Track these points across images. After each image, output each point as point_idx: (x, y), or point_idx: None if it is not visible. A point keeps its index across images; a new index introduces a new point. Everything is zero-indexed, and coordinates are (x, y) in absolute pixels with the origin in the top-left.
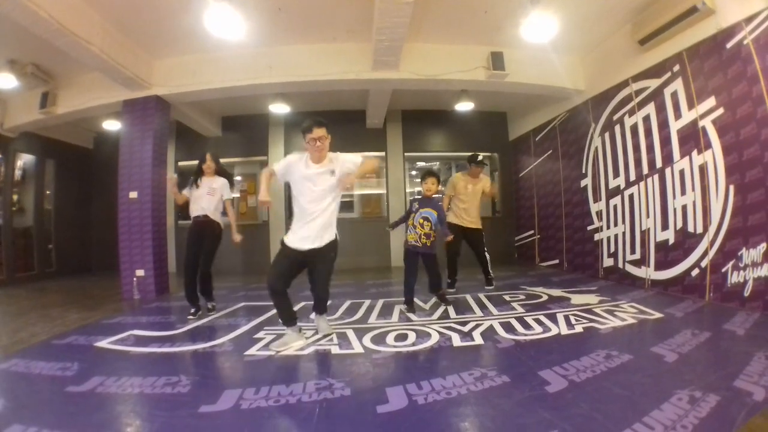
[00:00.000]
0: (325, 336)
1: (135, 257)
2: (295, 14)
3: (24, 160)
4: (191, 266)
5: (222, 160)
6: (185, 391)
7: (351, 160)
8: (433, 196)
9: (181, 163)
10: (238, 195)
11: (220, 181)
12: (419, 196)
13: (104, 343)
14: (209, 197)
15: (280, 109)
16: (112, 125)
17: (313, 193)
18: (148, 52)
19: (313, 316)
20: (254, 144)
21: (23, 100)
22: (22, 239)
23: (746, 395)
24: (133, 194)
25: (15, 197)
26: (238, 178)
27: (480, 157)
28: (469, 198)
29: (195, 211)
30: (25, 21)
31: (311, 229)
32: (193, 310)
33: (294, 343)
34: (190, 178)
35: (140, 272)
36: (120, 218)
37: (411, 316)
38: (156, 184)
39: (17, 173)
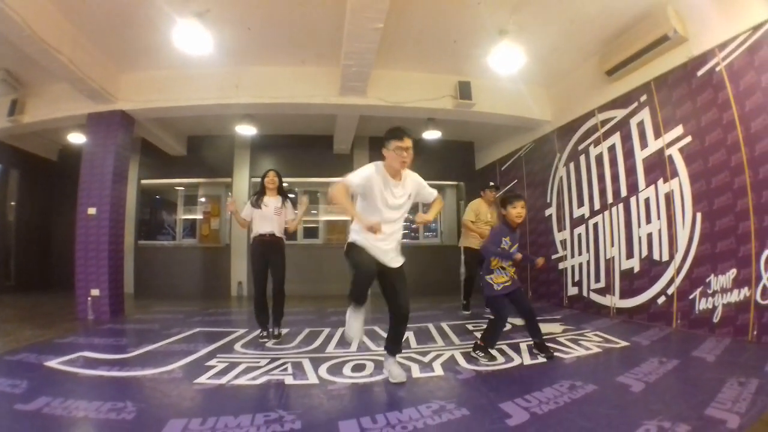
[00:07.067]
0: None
1: (91, 276)
2: (264, 34)
3: None
4: (261, 287)
5: (185, 181)
6: (130, 418)
7: (428, 189)
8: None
9: (144, 181)
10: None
11: (287, 203)
12: (505, 227)
13: (54, 363)
14: (278, 218)
15: (246, 130)
16: (77, 138)
17: (391, 214)
18: (117, 65)
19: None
20: (219, 165)
21: None
22: None
23: (719, 423)
24: (92, 210)
25: None
26: (292, 195)
27: (492, 183)
28: (491, 223)
29: (262, 228)
30: None
31: (390, 246)
32: (264, 333)
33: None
34: (250, 198)
35: (95, 292)
36: (78, 234)
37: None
38: (115, 201)
39: None
